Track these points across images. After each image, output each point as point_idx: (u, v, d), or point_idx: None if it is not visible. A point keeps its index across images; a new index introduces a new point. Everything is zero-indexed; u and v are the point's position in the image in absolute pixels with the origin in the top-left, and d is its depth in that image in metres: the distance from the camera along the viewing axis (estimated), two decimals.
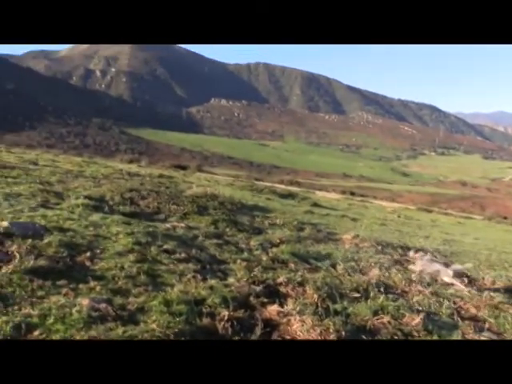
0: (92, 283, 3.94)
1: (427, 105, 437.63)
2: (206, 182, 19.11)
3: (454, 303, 6.39)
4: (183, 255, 5.58)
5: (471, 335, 4.82)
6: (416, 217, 21.63)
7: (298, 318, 4.05)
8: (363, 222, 15.29)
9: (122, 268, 4.54)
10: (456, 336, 4.52)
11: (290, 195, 19.29)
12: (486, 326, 5.59)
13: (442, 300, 6.35)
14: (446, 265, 8.88)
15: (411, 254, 9.76)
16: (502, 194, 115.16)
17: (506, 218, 35.16)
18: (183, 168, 30.22)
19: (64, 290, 3.72)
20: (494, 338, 4.96)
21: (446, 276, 8.07)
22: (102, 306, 3.44)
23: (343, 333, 3.83)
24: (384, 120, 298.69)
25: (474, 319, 5.77)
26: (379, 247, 9.84)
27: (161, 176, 17.24)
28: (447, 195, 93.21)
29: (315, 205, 17.33)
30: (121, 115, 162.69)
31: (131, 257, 4.97)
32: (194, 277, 4.81)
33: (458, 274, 8.60)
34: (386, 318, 4.62)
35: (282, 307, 4.39)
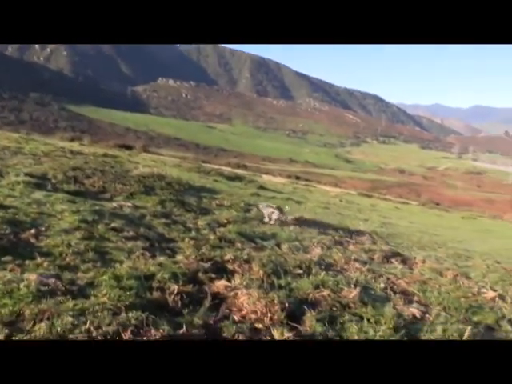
0: (39, 259, 3.92)
1: (371, 94, 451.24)
2: (153, 163, 18.81)
3: (388, 279, 6.91)
4: (131, 233, 5.61)
5: (401, 307, 5.28)
6: (357, 201, 22.63)
7: (244, 291, 4.26)
8: (307, 205, 15.82)
9: (69, 245, 4.51)
10: (388, 308, 4.94)
11: (237, 178, 19.49)
12: (415, 298, 6.14)
13: (377, 276, 6.85)
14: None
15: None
16: (437, 182, 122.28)
17: (438, 204, 37.59)
18: (128, 148, 29.42)
19: (9, 266, 3.68)
20: (422, 309, 5.47)
21: None
22: (51, 280, 3.46)
23: (287, 304, 4.09)
24: (330, 107, 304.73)
25: (404, 293, 6.30)
26: (321, 229, 10.30)
27: (105, 155, 16.78)
28: (387, 182, 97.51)
29: (261, 188, 17.66)
30: (61, 90, 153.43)
31: (78, 234, 4.94)
32: (142, 254, 4.88)
33: (393, 254, 9.25)
34: (325, 292, 4.95)
35: (230, 282, 4.58)
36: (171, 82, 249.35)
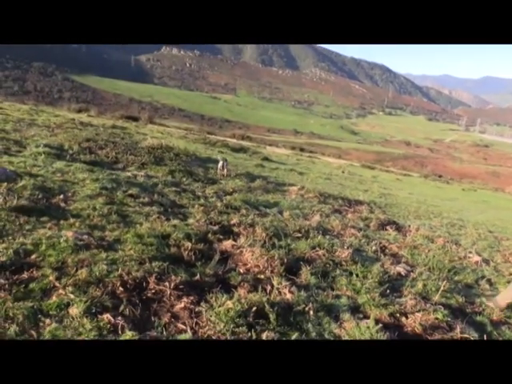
0: (71, 220, 4.53)
1: (379, 64, 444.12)
2: (160, 135, 19.32)
3: (380, 243, 7.53)
4: (147, 199, 6.21)
5: (388, 265, 5.91)
6: (359, 173, 23.12)
7: (248, 249, 4.88)
8: (309, 176, 16.37)
9: (95, 208, 5.12)
10: (376, 266, 5.56)
11: (241, 149, 19.98)
12: (403, 260, 6.78)
13: (370, 241, 7.46)
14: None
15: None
16: (442, 154, 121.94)
17: (440, 176, 37.95)
18: (135, 119, 29.82)
19: (48, 225, 4.30)
20: (408, 268, 6.10)
21: None
22: (85, 237, 4.08)
23: (285, 260, 4.72)
24: (336, 78, 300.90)
25: (394, 256, 6.93)
26: (322, 198, 10.89)
27: (114, 127, 17.28)
28: (392, 154, 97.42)
29: (266, 159, 18.17)
30: (64, 60, 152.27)
31: (100, 200, 5.54)
32: (158, 217, 5.49)
33: (388, 222, 9.85)
34: (321, 252, 5.57)
35: (236, 242, 5.20)
36: (175, 50, 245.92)
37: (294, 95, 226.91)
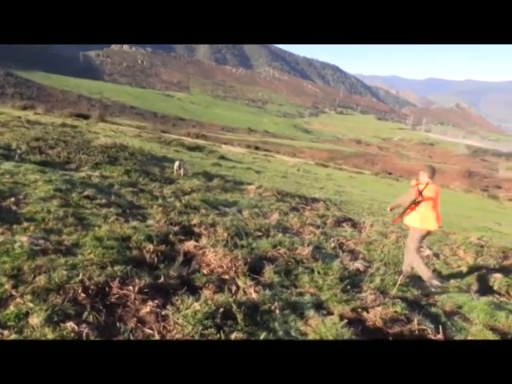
0: (25, 224, 4.32)
1: (330, 64, 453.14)
2: (113, 133, 18.78)
3: (338, 240, 7.72)
4: (103, 201, 6.03)
5: (347, 262, 6.08)
6: (314, 171, 23.55)
7: (211, 249, 4.86)
8: (266, 174, 16.50)
9: (49, 211, 4.91)
10: (336, 263, 5.70)
11: (197, 148, 19.81)
12: (361, 256, 6.99)
13: (328, 238, 7.64)
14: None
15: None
16: (391, 152, 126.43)
17: (390, 173, 39.41)
18: (85, 117, 28.76)
19: (0, 230, 4.07)
20: (365, 264, 6.30)
21: None
22: (41, 241, 3.90)
23: (249, 259, 4.74)
24: (289, 77, 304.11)
25: (351, 252, 7.14)
26: (279, 196, 11.01)
27: (64, 125, 16.61)
28: (344, 152, 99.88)
29: (222, 158, 18.12)
30: (7, 55, 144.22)
31: (55, 202, 5.32)
32: (117, 219, 5.35)
33: (344, 219, 10.12)
34: (282, 250, 5.63)
35: (198, 242, 5.16)
36: (126, 47, 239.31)
37: (248, 94, 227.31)
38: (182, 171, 11.21)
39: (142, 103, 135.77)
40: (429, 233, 6.24)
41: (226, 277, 4.34)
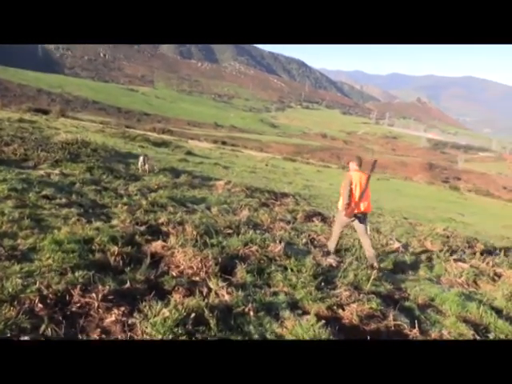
0: None
1: (295, 59, 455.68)
2: (74, 129, 18.06)
3: (309, 236, 7.64)
4: (64, 200, 5.68)
5: (319, 258, 5.98)
6: (282, 165, 23.52)
7: (180, 250, 4.63)
8: (234, 169, 16.29)
9: (3, 213, 4.54)
10: (308, 259, 5.60)
11: (163, 143, 19.36)
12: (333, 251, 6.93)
13: (299, 233, 7.54)
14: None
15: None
16: (356, 146, 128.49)
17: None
18: (45, 112, 27.59)
19: None
20: (337, 259, 6.23)
21: None
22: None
23: (220, 259, 4.55)
24: (255, 71, 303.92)
25: (323, 247, 7.06)
26: (249, 192, 10.85)
27: (21, 120, 15.81)
28: (310, 146, 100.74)
29: (189, 153, 17.78)
30: None
31: (10, 203, 4.95)
32: (78, 220, 5.03)
33: (314, 214, 10.07)
34: (254, 248, 5.47)
35: (166, 242, 4.92)
36: None
37: (214, 88, 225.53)
38: (146, 167, 10.89)
39: (105, 98, 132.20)
40: (360, 214, 6.58)
41: (197, 278, 4.13)
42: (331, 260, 5.96)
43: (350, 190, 6.30)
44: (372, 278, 5.18)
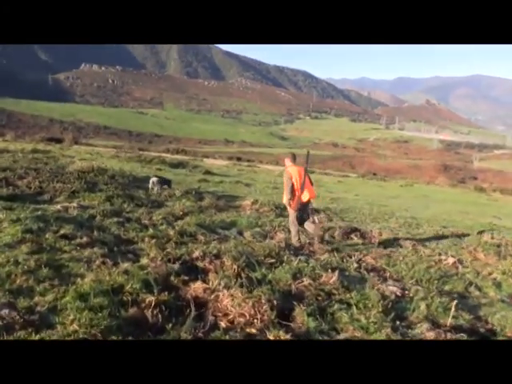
0: None
1: (301, 71, 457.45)
2: (89, 156, 17.62)
3: (355, 257, 6.85)
4: (85, 239, 5.01)
5: (379, 286, 5.19)
6: None
7: (226, 292, 3.89)
8: (256, 186, 15.59)
9: (17, 263, 3.87)
10: (368, 287, 4.82)
11: (180, 164, 18.80)
12: (387, 274, 6.11)
13: (345, 256, 6.76)
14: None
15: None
16: (368, 152, 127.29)
17: (375, 174, 39.04)
18: (58, 141, 27.36)
19: None
20: (398, 285, 5.43)
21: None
22: (4, 312, 2.88)
23: (275, 302, 3.80)
24: (262, 86, 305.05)
25: (375, 270, 6.25)
26: (278, 210, 10.10)
27: (35, 151, 15.40)
28: (321, 156, 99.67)
29: (208, 173, 17.15)
30: None
31: (24, 248, 4.28)
32: (103, 262, 4.34)
33: (351, 230, 9.28)
34: (306, 281, 4.71)
35: (206, 282, 4.20)
36: (95, 67, 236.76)
37: (222, 105, 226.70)
38: (157, 187, 10.34)
39: (115, 122, 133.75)
40: (304, 204, 6.99)
41: (253, 330, 3.38)
42: (394, 288, 5.16)
43: (292, 185, 6.73)
44: (453, 309, 4.36)
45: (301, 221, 7.08)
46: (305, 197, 6.91)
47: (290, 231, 7.38)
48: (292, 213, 6.99)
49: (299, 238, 7.04)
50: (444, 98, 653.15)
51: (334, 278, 4.90)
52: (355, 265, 6.10)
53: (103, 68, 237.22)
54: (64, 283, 3.62)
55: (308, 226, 7.10)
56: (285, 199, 6.98)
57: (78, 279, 3.74)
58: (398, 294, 5.00)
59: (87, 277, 3.81)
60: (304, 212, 7.05)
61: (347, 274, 5.65)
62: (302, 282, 4.66)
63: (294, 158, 7.29)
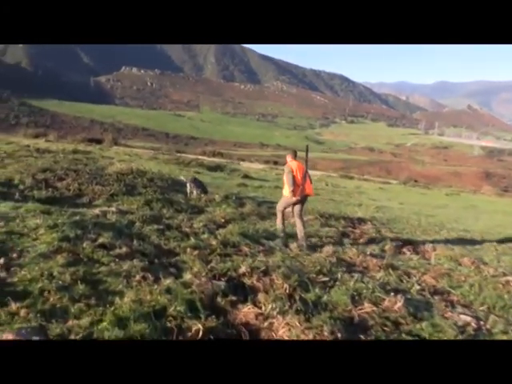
0: (13, 306, 2.92)
1: (338, 74, 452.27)
2: (127, 157, 17.57)
3: (413, 276, 6.20)
4: (124, 249, 4.63)
5: (449, 314, 4.56)
6: (342, 184, 22.02)
7: (281, 320, 3.40)
8: None
9: (51, 276, 3.51)
10: (442, 320, 4.22)
11: (218, 167, 18.49)
12: (454, 298, 5.43)
13: (402, 274, 6.13)
14: None
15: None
16: (405, 158, 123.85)
17: (416, 181, 37.61)
18: (98, 142, 27.73)
19: None
20: (469, 313, 4.77)
21: None
22: (35, 339, 2.49)
23: (338, 334, 3.26)
24: (298, 89, 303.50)
25: (439, 293, 5.57)
26: (323, 219, 9.53)
27: (75, 152, 15.43)
28: (357, 161, 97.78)
29: (246, 177, 16.74)
30: (20, 85, 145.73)
31: (60, 259, 3.93)
32: (143, 277, 3.93)
33: (403, 243, 8.59)
34: (367, 307, 4.16)
35: (258, 307, 3.71)
36: (135, 70, 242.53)
37: (258, 109, 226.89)
38: (195, 191, 9.99)
39: (153, 124, 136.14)
40: (305, 196, 7.31)
41: None
42: (466, 317, 4.50)
43: (294, 177, 6.96)
44: None
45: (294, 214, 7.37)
46: (308, 189, 7.17)
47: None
48: (289, 200, 7.17)
49: (283, 224, 7.38)
50: (487, 102, 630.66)
51: (398, 303, 4.31)
52: (417, 286, 5.46)
53: (142, 71, 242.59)
54: (101, 303, 3.22)
55: (299, 222, 7.28)
56: (287, 191, 7.11)
57: (117, 298, 3.33)
58: (474, 325, 4.34)
59: (126, 295, 3.41)
60: (302, 204, 7.34)
61: (409, 297, 5.02)
62: (364, 308, 4.10)
63: (295, 154, 7.44)
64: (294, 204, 7.26)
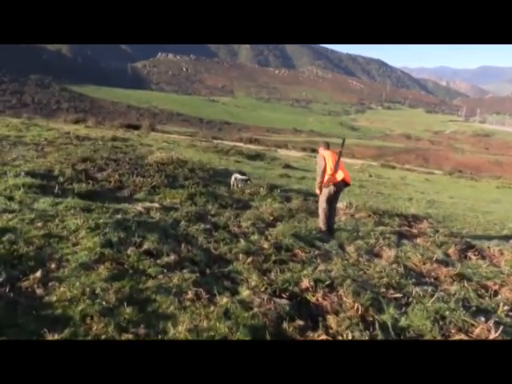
0: (50, 335, 2.43)
1: (375, 59, 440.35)
2: (166, 144, 17.21)
3: (489, 288, 5.45)
4: (172, 257, 4.11)
5: None
6: (385, 175, 20.99)
7: None
8: None
9: (94, 295, 3.03)
10: None
11: (257, 156, 17.88)
12: None
13: (476, 286, 5.39)
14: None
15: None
16: (444, 146, 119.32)
17: (460, 171, 35.81)
18: (135, 128, 27.62)
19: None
20: None
21: None
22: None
23: None
24: (333, 75, 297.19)
25: None
26: (376, 216, 8.79)
27: (114, 139, 15.17)
28: (393, 148, 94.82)
29: (287, 166, 16.07)
30: (60, 71, 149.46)
31: (103, 271, 3.44)
32: (196, 295, 3.40)
33: (467, 246, 7.78)
34: (456, 335, 3.49)
35: (330, 335, 3.11)
36: (171, 56, 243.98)
37: (292, 94, 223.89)
38: (240, 185, 9.42)
39: (188, 110, 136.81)
40: (339, 184, 6.96)
41: None
42: None
43: (325, 166, 6.81)
44: None
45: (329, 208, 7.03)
46: (339, 176, 6.88)
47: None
48: (324, 192, 6.97)
49: (327, 223, 7.00)
50: None
51: (494, 333, 3.62)
52: (503, 306, 4.71)
53: (178, 57, 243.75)
54: (152, 331, 2.71)
55: (333, 208, 7.15)
56: (317, 180, 7.02)
57: (169, 325, 2.81)
58: None
59: (180, 321, 2.88)
60: (337, 192, 7.04)
61: (497, 319, 4.30)
62: (452, 336, 3.44)
63: (327, 145, 7.23)
64: (335, 193, 6.98)
